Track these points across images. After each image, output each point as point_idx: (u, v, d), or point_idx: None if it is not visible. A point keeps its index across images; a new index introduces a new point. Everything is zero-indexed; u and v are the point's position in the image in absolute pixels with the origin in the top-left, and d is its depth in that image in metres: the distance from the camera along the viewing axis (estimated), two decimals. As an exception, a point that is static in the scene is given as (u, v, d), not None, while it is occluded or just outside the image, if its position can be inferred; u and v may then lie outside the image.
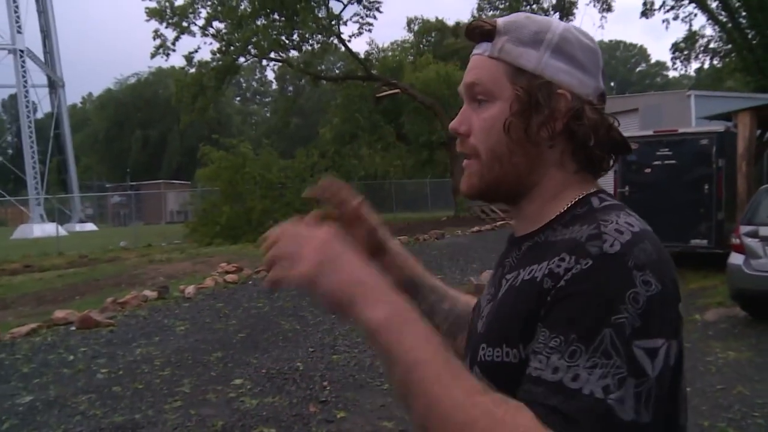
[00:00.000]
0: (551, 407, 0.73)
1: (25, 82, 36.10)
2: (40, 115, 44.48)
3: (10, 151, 64.89)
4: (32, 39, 39.67)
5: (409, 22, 37.66)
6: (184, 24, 22.07)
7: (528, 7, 32.20)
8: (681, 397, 0.86)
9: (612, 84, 66.13)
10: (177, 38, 22.29)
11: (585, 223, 0.85)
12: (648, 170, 10.96)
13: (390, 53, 32.43)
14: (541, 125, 0.90)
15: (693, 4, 31.18)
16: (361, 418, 4.79)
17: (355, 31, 25.27)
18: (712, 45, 33.41)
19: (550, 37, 0.91)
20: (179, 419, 4.83)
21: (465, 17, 44.15)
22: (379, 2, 23.92)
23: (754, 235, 7.26)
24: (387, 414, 4.84)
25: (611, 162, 0.95)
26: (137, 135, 54.82)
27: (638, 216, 0.88)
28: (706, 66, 36.55)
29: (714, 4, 29.97)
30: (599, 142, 0.90)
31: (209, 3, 22.16)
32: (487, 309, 0.97)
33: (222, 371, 6.08)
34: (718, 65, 34.57)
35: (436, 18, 38.20)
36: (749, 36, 28.15)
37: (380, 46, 33.75)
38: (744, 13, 27.91)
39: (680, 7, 32.31)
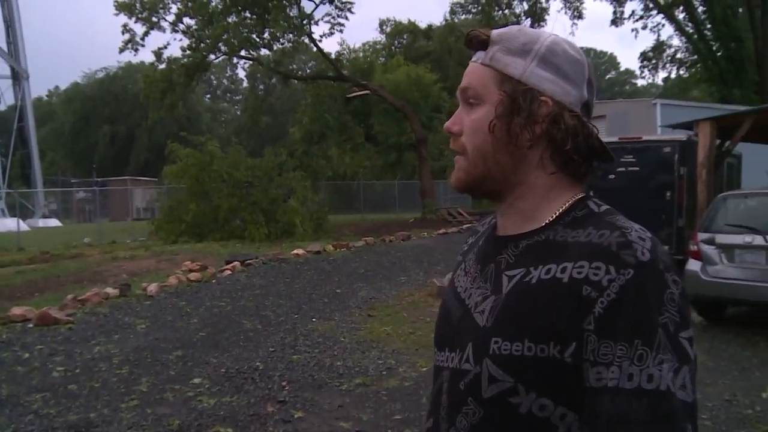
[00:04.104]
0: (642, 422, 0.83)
1: (-13, 72, 35.30)
2: (2, 107, 43.46)
3: (-29, 144, 63.46)
4: (-5, 29, 38.80)
5: (382, 23, 37.78)
6: (154, 19, 21.78)
7: (500, 12, 32.53)
8: None
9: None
10: (146, 33, 22.00)
11: (602, 228, 0.94)
12: (612, 176, 11.11)
13: (361, 54, 32.40)
14: (522, 127, 0.97)
15: (661, 15, 31.83)
16: (319, 418, 4.79)
17: (327, 31, 25.18)
18: (678, 55, 34.11)
19: (537, 47, 0.99)
20: (135, 418, 4.78)
21: (437, 20, 44.36)
22: (351, 3, 23.91)
23: (711, 242, 7.42)
24: (344, 414, 4.85)
25: (592, 168, 1.02)
26: (104, 130, 53.93)
27: None
28: (673, 75, 37.35)
29: (681, 16, 30.62)
30: (576, 147, 0.97)
31: (180, -1, 21.92)
32: (488, 303, 0.99)
33: (181, 370, 6.04)
34: (685, 75, 35.30)
35: (409, 20, 38.32)
36: (714, 48, 28.81)
37: (351, 46, 33.70)
38: (709, 26, 28.54)
39: (649, 17, 32.96)
